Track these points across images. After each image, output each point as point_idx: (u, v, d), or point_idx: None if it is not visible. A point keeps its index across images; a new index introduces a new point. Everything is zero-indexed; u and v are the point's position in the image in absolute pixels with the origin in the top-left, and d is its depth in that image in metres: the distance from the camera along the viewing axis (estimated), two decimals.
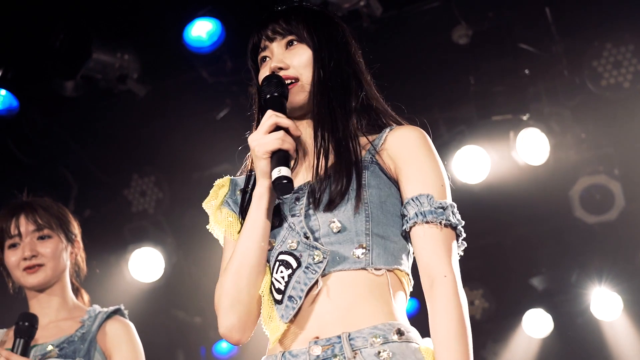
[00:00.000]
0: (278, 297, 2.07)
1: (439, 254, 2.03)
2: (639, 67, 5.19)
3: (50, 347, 3.06)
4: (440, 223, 2.04)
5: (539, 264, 6.35)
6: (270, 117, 2.05)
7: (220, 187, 2.25)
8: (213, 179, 2.30)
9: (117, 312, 3.20)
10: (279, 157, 2.02)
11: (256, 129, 2.13)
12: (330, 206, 2.06)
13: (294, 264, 2.05)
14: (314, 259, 2.03)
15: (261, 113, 2.18)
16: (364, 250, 2.04)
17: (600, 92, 5.26)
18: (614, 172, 5.62)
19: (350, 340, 1.98)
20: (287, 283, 2.05)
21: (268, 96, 2.10)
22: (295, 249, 2.06)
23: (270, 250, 2.10)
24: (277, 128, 2.04)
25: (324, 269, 2.03)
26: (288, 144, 2.03)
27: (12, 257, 3.16)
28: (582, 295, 6.06)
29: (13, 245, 3.17)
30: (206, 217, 2.29)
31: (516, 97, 5.32)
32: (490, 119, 5.41)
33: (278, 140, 2.02)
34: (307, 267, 2.04)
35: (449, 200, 2.09)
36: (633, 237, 5.84)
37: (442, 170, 2.13)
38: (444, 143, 5.54)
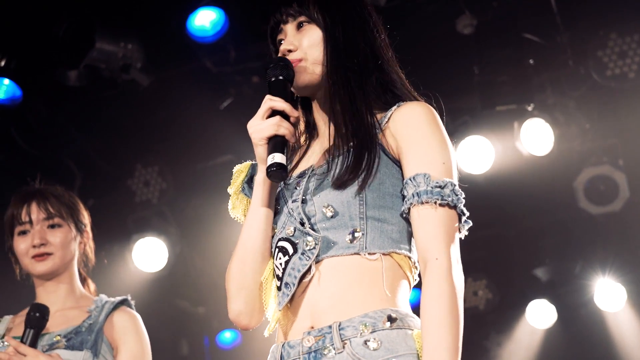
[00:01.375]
0: (278, 283, 2.07)
1: (433, 236, 1.94)
2: None
3: (57, 338, 3.06)
4: (436, 203, 1.95)
5: (542, 254, 6.35)
6: (266, 102, 2.04)
7: (240, 173, 2.24)
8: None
9: (124, 302, 3.20)
10: (276, 143, 2.01)
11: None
12: (333, 188, 2.03)
13: (291, 251, 2.04)
14: (307, 245, 2.02)
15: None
16: (358, 235, 2.00)
17: (605, 83, 5.24)
18: (619, 162, 5.61)
19: (340, 330, 1.95)
20: (284, 270, 2.04)
21: (273, 79, 2.09)
22: (293, 235, 2.05)
23: (273, 236, 2.10)
24: (274, 113, 2.03)
25: (318, 255, 2.01)
26: (284, 129, 2.01)
27: (22, 244, 3.16)
28: (586, 286, 6.05)
29: (23, 232, 3.17)
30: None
31: (520, 87, 5.30)
32: (495, 109, 5.39)
33: (273, 126, 2.01)
34: (302, 254, 2.02)
35: (449, 178, 2.00)
36: (637, 228, 5.83)
37: (448, 147, 2.05)
38: (448, 133, 5.49)
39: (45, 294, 3.18)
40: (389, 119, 2.07)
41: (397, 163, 2.05)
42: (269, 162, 1.99)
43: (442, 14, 5.26)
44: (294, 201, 2.08)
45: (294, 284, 2.01)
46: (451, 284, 1.91)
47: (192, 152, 5.93)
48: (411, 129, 2.04)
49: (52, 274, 3.17)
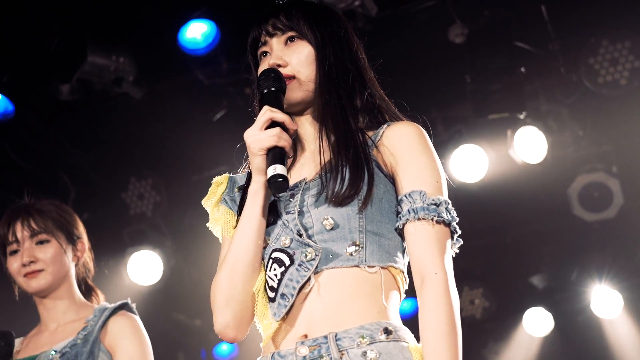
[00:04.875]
0: (271, 295, 2.05)
1: (430, 251, 1.99)
2: (635, 64, 5.18)
3: (52, 354, 3.02)
4: (432, 219, 2.00)
5: (538, 262, 6.35)
6: (266, 113, 2.02)
7: (218, 185, 2.23)
8: (211, 181, 2.28)
9: (124, 307, 3.14)
10: (275, 154, 1.99)
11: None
12: (332, 203, 2.03)
13: (287, 262, 2.03)
14: (306, 256, 2.01)
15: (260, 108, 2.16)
16: (357, 248, 2.01)
17: (597, 90, 5.25)
18: (613, 169, 5.62)
19: (337, 340, 1.95)
20: (279, 281, 2.03)
21: (265, 91, 2.07)
22: (289, 247, 2.04)
23: (265, 247, 2.08)
24: (273, 124, 2.02)
25: (317, 267, 2.00)
26: (284, 141, 2.00)
27: (14, 264, 3.14)
28: (582, 294, 6.05)
29: (14, 252, 3.15)
30: (204, 219, 2.28)
31: (513, 95, 5.31)
32: (487, 118, 5.40)
33: (274, 137, 2.00)
34: (299, 265, 2.01)
35: (443, 196, 2.05)
36: (632, 234, 5.84)
37: (438, 166, 2.09)
38: (442, 142, 5.53)
39: (46, 312, 3.16)
40: (381, 136, 2.11)
41: (391, 180, 2.08)
42: (272, 173, 1.97)
43: (433, 23, 5.27)
44: (288, 213, 2.07)
45: (292, 295, 2.00)
46: (450, 298, 1.95)
47: (186, 164, 5.93)
48: (405, 147, 2.08)
49: (47, 290, 3.14)
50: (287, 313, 2.01)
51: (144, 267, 5.96)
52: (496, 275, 6.36)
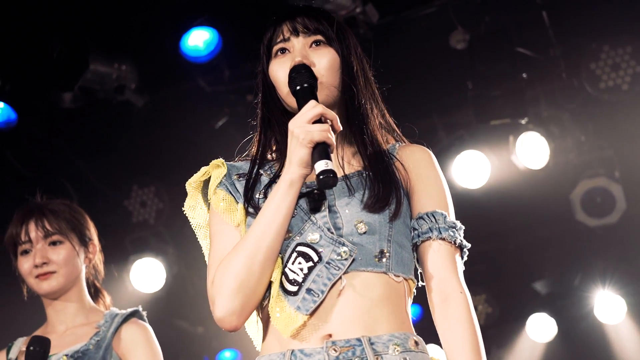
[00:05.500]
0: (292, 288, 2.02)
1: (453, 271, 2.09)
2: (637, 69, 5.17)
3: (64, 358, 2.99)
4: (454, 242, 2.10)
5: (541, 268, 6.34)
6: (316, 107, 2.00)
7: (216, 167, 2.20)
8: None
9: (135, 314, 3.12)
10: (324, 150, 1.97)
11: (264, 116, 2.15)
12: (366, 208, 2.06)
13: (315, 258, 2.02)
14: (339, 255, 2.01)
15: (268, 104, 2.17)
16: (385, 255, 2.05)
17: (598, 95, 5.25)
18: (615, 174, 5.61)
19: (371, 344, 1.97)
20: (306, 275, 2.01)
21: (300, 87, 2.07)
22: (317, 243, 2.03)
23: (285, 240, 2.05)
24: (320, 119, 2.00)
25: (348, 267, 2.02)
26: (332, 139, 2.00)
27: (25, 264, 3.10)
28: (585, 299, 6.04)
29: (25, 252, 3.11)
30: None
31: (515, 101, 5.31)
32: (489, 124, 5.40)
33: (325, 133, 1.98)
34: (328, 263, 2.01)
35: (458, 222, 2.15)
36: (635, 239, 5.83)
37: (448, 192, 2.20)
38: (444, 148, 5.53)
39: (55, 313, 3.12)
40: (396, 154, 2.18)
41: (407, 196, 2.15)
42: (323, 168, 1.95)
43: (434, 29, 5.28)
44: (313, 209, 2.07)
45: (322, 292, 1.99)
46: (474, 314, 2.09)
47: (188, 171, 5.90)
48: (423, 169, 2.18)
49: (58, 292, 3.10)
50: (315, 309, 2.00)
51: (147, 274, 5.96)
52: (499, 281, 6.35)
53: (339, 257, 2.01)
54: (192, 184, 2.21)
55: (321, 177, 1.95)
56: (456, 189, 5.56)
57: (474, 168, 5.48)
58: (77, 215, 3.21)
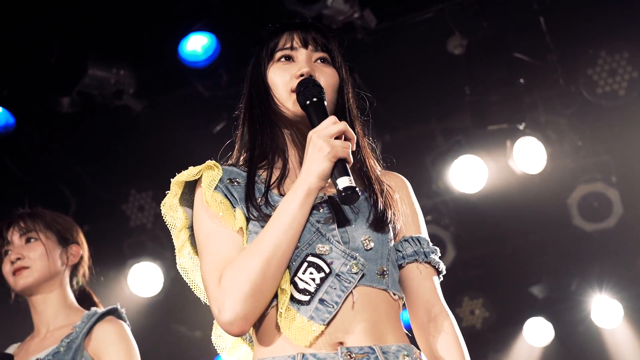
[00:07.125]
0: (303, 297, 2.03)
1: (437, 292, 2.21)
2: (633, 75, 5.19)
3: None
4: (437, 266, 2.22)
5: (538, 272, 6.35)
6: (340, 124, 2.03)
7: (209, 169, 2.20)
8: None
9: (113, 312, 3.08)
10: (346, 166, 2.01)
11: (258, 117, 2.19)
12: (372, 227, 2.11)
13: (326, 269, 2.05)
14: (350, 268, 2.05)
15: (262, 104, 2.21)
16: (384, 273, 2.11)
17: (595, 100, 5.27)
18: (612, 179, 5.63)
19: (383, 353, 2.03)
20: (318, 286, 2.04)
21: (310, 101, 2.09)
22: (327, 255, 2.06)
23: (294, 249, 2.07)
24: (340, 136, 2.03)
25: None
26: (351, 158, 2.04)
27: (6, 265, 3.16)
28: (582, 303, 6.05)
29: (5, 253, 3.17)
30: None
31: (512, 106, 5.33)
32: (487, 129, 5.42)
33: (347, 150, 2.02)
34: (338, 275, 2.04)
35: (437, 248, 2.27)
36: (632, 244, 5.85)
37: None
38: (441, 153, 5.54)
39: (36, 315, 3.13)
40: (383, 178, 2.26)
41: None
42: (347, 184, 1.99)
43: (432, 35, 5.29)
44: (320, 222, 2.08)
45: (337, 303, 2.02)
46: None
47: None
48: (405, 197, 2.28)
49: (32, 288, 3.11)
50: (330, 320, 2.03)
51: (145, 278, 5.96)
52: (496, 285, 6.36)
53: (350, 271, 2.05)
54: (179, 182, 2.22)
55: (346, 192, 1.99)
56: (454, 193, 5.57)
57: (472, 173, 5.49)
58: (58, 219, 3.24)
